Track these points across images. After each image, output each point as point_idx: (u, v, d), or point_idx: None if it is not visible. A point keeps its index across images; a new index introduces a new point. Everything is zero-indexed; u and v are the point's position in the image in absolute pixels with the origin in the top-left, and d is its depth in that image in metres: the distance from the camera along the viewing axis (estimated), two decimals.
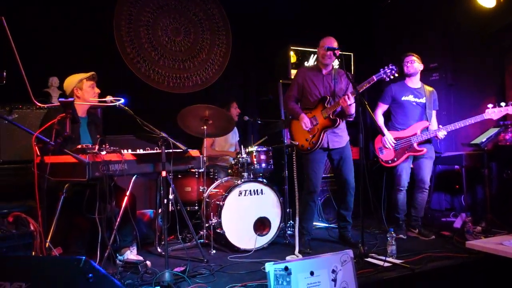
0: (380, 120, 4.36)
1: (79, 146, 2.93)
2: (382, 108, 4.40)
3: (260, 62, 5.99)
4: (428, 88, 4.34)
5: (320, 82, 3.97)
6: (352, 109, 3.82)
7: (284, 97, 4.20)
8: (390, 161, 4.31)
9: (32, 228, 2.89)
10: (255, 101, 5.98)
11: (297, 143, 3.98)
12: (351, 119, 3.99)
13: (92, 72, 3.50)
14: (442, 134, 4.13)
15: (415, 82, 4.32)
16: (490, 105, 4.05)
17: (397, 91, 4.30)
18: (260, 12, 5.99)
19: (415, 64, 4.24)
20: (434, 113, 4.35)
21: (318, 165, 3.93)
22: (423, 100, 4.26)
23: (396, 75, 3.73)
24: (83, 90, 3.44)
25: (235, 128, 5.05)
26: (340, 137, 3.98)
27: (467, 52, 5.56)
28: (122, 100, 3.20)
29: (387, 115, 4.43)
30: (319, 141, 3.86)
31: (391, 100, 4.34)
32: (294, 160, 4.15)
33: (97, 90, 3.49)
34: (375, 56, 6.48)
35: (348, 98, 3.69)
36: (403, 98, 4.27)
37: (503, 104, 4.02)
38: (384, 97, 4.37)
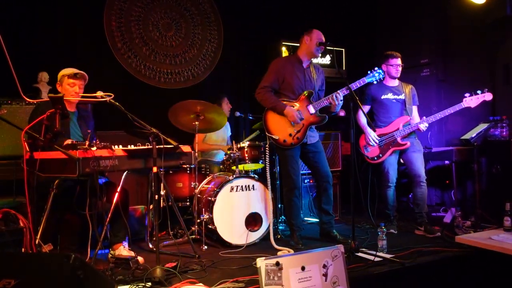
0: (363, 120, 4.40)
1: (69, 142, 2.91)
2: (364, 109, 4.42)
3: (252, 57, 5.97)
4: (407, 85, 4.42)
5: (302, 75, 3.90)
6: (339, 108, 3.85)
7: (258, 89, 3.93)
8: (375, 158, 4.35)
9: (21, 224, 2.86)
10: (247, 97, 5.96)
11: (277, 138, 3.83)
12: (333, 114, 3.99)
13: (75, 71, 3.42)
14: (424, 126, 4.18)
15: (393, 82, 4.40)
16: (467, 94, 4.12)
17: (376, 91, 4.38)
18: (252, 7, 5.97)
19: (400, 68, 4.32)
20: (415, 108, 4.42)
21: (296, 161, 3.91)
22: (402, 97, 4.33)
23: (382, 79, 3.94)
24: (62, 87, 3.42)
25: (227, 123, 5.05)
26: (315, 132, 4.00)
27: (458, 47, 5.60)
28: (113, 96, 3.17)
29: (370, 115, 4.46)
30: (304, 136, 3.83)
31: (371, 100, 4.41)
32: (267, 154, 3.96)
33: (76, 90, 3.41)
34: (366, 52, 6.49)
35: (337, 98, 3.71)
36: (383, 97, 4.34)
37: (479, 91, 4.09)
38: (364, 98, 4.43)
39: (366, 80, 3.81)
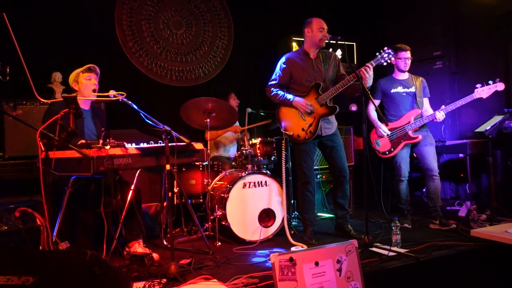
0: (373, 114, 4.36)
1: (83, 142, 2.95)
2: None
3: (262, 53, 5.96)
4: (417, 78, 4.36)
5: (310, 67, 3.86)
6: (370, 81, 3.64)
7: (266, 87, 3.98)
8: (387, 152, 4.32)
9: (38, 222, 2.91)
10: (258, 92, 5.96)
11: (291, 134, 3.84)
12: (357, 94, 3.85)
13: (88, 65, 3.49)
14: (441, 114, 4.10)
15: (403, 75, 4.35)
16: (478, 85, 4.06)
17: (386, 85, 4.34)
18: (261, 2, 5.96)
19: (409, 61, 4.26)
20: (426, 100, 4.37)
21: (310, 155, 3.89)
22: (412, 89, 4.28)
23: (393, 59, 3.74)
24: (79, 84, 3.47)
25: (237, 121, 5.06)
26: (331, 123, 3.93)
27: (471, 39, 5.53)
28: (125, 94, 3.20)
29: (380, 110, 4.41)
30: (317, 129, 3.78)
31: (381, 94, 4.38)
32: (283, 151, 3.95)
33: (94, 82, 3.46)
34: (379, 46, 6.44)
35: (369, 68, 3.56)
36: (393, 91, 4.30)
37: (490, 82, 4.03)
38: (374, 92, 4.38)
39: (374, 63, 3.62)
